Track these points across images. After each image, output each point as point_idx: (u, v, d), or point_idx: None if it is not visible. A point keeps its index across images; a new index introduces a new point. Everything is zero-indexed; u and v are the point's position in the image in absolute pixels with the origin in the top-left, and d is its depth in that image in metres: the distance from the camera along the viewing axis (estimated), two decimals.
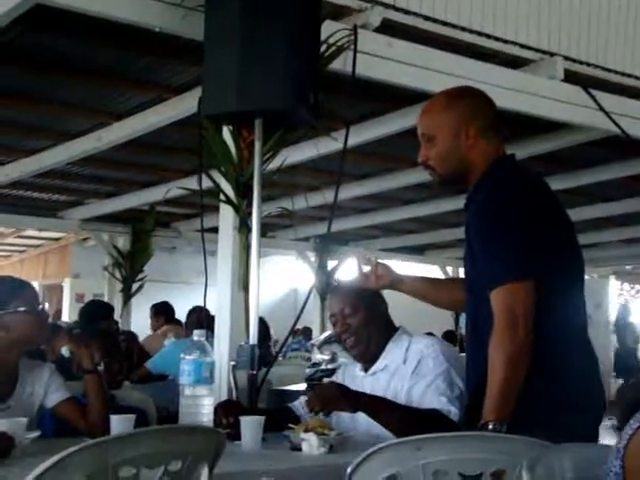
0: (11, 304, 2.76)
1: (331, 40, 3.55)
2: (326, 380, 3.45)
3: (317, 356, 4.27)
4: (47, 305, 3.11)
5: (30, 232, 13.51)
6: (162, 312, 7.49)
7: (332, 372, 3.50)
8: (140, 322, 10.13)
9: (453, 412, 2.64)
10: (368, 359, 2.95)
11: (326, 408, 2.64)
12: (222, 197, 3.71)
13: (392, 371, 2.84)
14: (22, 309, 2.76)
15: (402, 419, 2.60)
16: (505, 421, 2.16)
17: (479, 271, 2.34)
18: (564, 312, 2.33)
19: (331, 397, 2.65)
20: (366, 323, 2.90)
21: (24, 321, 2.76)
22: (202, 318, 6.14)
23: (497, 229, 2.28)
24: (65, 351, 3.01)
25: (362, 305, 2.92)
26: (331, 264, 11.20)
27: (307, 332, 11.99)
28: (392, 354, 2.89)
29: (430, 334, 3.80)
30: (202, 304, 3.76)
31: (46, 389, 2.82)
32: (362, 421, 2.75)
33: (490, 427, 2.15)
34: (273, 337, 11.46)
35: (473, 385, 2.40)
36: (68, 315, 13.97)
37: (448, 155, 2.44)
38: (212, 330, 5.81)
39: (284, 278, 16.98)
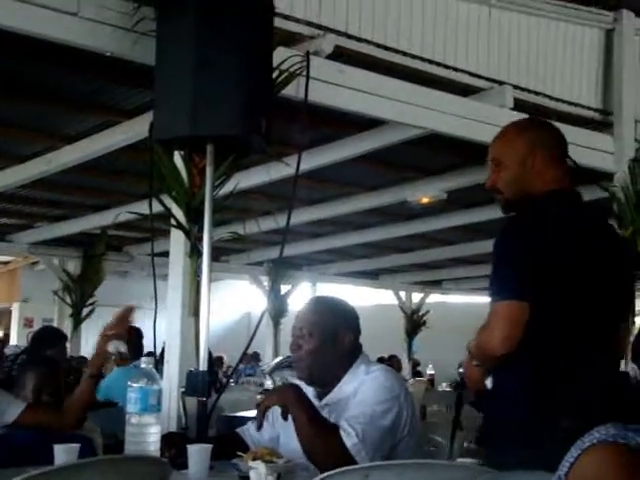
0: None
1: (283, 66, 3.56)
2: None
3: (268, 382, 4.24)
4: None
5: None
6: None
7: None
8: (91, 347, 9.98)
9: (352, 437, 2.50)
10: (320, 385, 2.87)
11: (271, 402, 2.60)
12: (173, 222, 3.68)
13: (341, 408, 2.75)
14: None
15: (310, 421, 2.55)
16: None
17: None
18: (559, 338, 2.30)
19: (282, 396, 2.61)
20: (317, 351, 2.76)
21: None
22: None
23: (499, 253, 2.37)
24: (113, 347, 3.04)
25: (320, 333, 2.77)
26: (284, 288, 11.18)
27: (256, 357, 11.89)
28: (345, 388, 2.81)
29: (381, 359, 3.79)
30: (152, 330, 3.71)
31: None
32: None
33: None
34: (226, 363, 11.39)
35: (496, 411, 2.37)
36: (16, 340, 13.74)
37: (514, 181, 2.53)
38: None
39: (237, 302, 16.88)
